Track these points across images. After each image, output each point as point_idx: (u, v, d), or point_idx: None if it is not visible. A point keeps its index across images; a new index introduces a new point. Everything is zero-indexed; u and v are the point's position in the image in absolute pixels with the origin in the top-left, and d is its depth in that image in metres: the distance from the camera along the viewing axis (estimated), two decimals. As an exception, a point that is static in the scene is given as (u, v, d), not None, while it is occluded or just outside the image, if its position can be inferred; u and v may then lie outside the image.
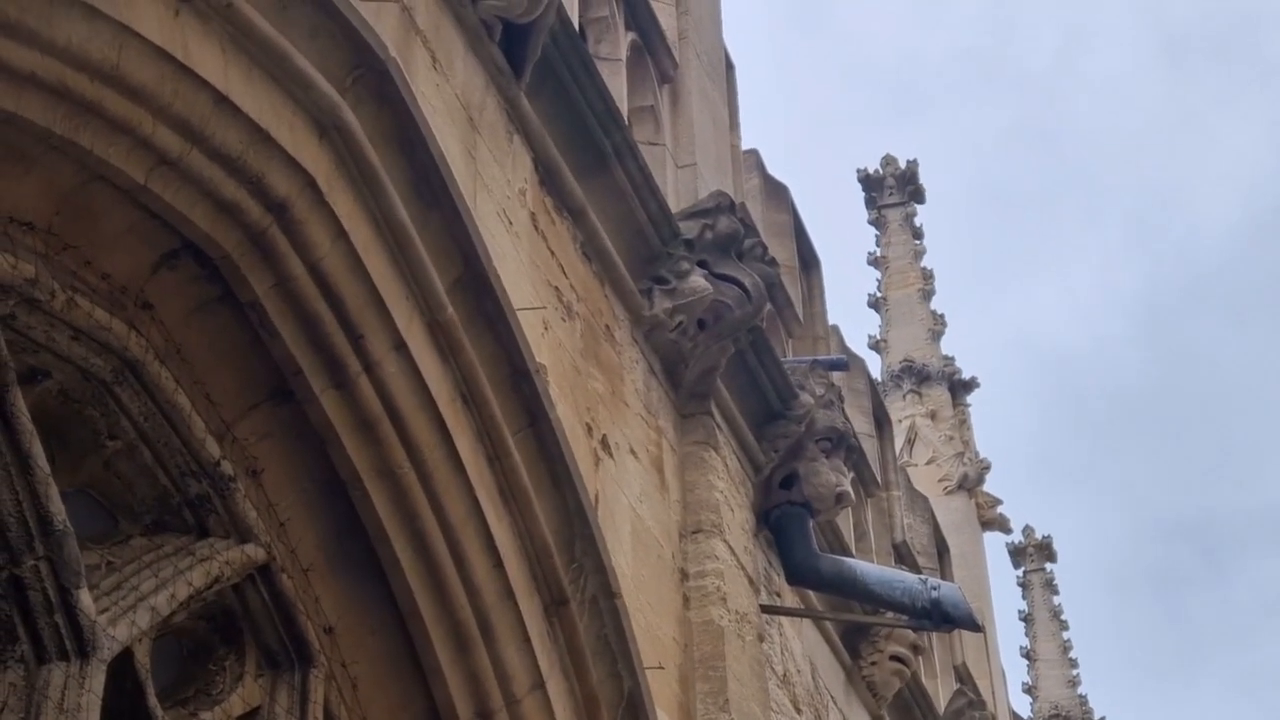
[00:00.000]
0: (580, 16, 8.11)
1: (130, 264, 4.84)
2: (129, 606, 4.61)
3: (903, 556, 12.21)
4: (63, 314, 4.60)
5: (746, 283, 7.97)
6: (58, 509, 4.35)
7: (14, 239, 4.43)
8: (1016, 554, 27.81)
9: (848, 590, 8.55)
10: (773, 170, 11.64)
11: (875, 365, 19.05)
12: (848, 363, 10.61)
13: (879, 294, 20.18)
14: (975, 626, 8.37)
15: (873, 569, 8.83)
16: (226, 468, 5.14)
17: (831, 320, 12.28)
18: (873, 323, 20.40)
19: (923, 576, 8.73)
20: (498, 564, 5.74)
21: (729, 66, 10.12)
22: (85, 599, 4.35)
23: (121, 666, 4.56)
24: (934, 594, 8.25)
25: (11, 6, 3.92)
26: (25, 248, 4.47)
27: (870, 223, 20.58)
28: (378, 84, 5.19)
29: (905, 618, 8.57)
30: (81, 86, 4.21)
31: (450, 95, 6.13)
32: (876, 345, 19.86)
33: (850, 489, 8.87)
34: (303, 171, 4.97)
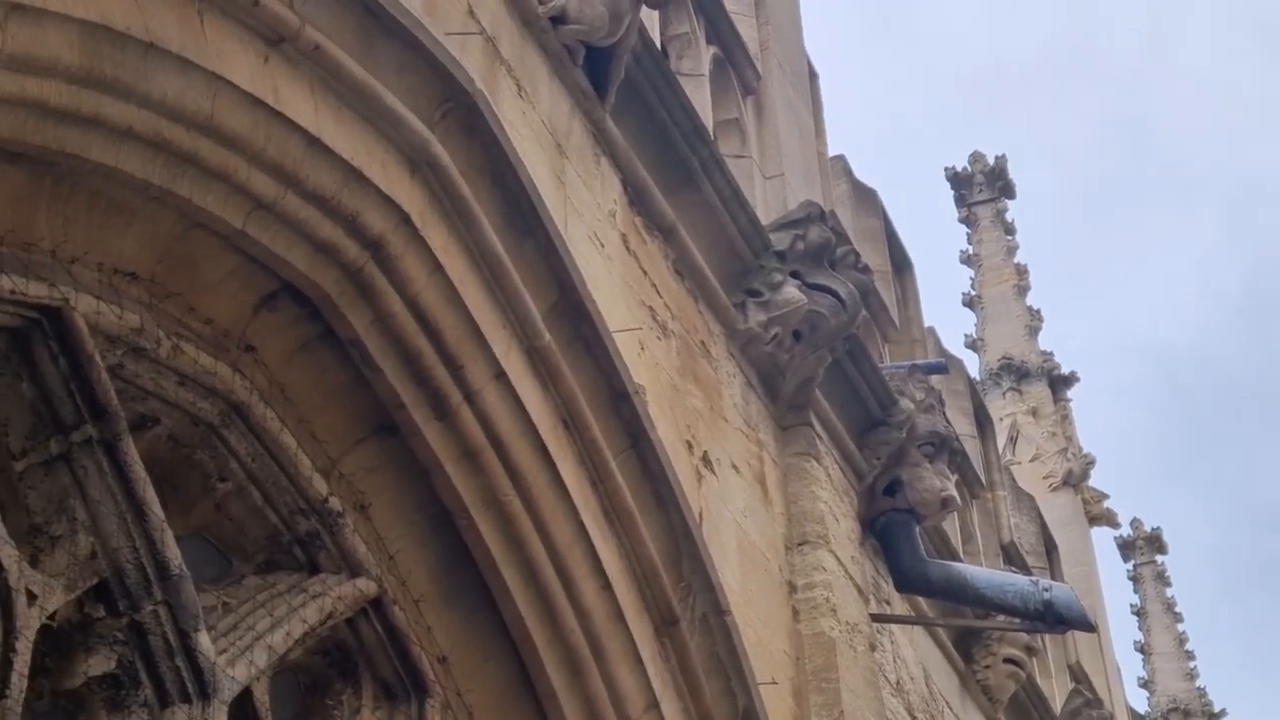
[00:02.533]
0: (661, 34, 8.12)
1: (232, 308, 4.91)
2: (246, 646, 4.67)
3: (1011, 557, 12.10)
4: (169, 361, 4.68)
5: (841, 291, 7.94)
6: (174, 554, 4.41)
7: (119, 290, 4.51)
8: (1126, 547, 27.46)
9: (958, 595, 8.48)
10: (860, 174, 11.60)
11: (973, 364, 18.91)
12: (946, 366, 10.54)
13: (973, 292, 20.03)
14: (1089, 627, 8.29)
15: (982, 573, 8.75)
16: (335, 504, 5.20)
17: (927, 321, 12.20)
18: (968, 321, 20.26)
19: (1034, 578, 8.65)
20: (606, 586, 5.76)
21: (812, 75, 10.08)
22: (204, 641, 4.41)
23: (242, 706, 4.62)
24: (1046, 595, 8.17)
25: (108, 64, 4.00)
26: (130, 298, 4.55)
27: (961, 221, 20.45)
28: (466, 117, 5.23)
29: (1018, 621, 8.49)
30: (178, 137, 4.28)
31: (537, 122, 6.17)
32: (973, 344, 19.69)
33: (955, 493, 8.80)
34: (396, 208, 5.03)
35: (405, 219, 5.08)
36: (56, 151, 4.09)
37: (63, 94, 3.94)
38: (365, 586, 5.22)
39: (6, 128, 3.93)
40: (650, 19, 7.49)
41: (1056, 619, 8.14)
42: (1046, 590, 8.22)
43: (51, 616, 4.17)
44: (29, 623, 4.02)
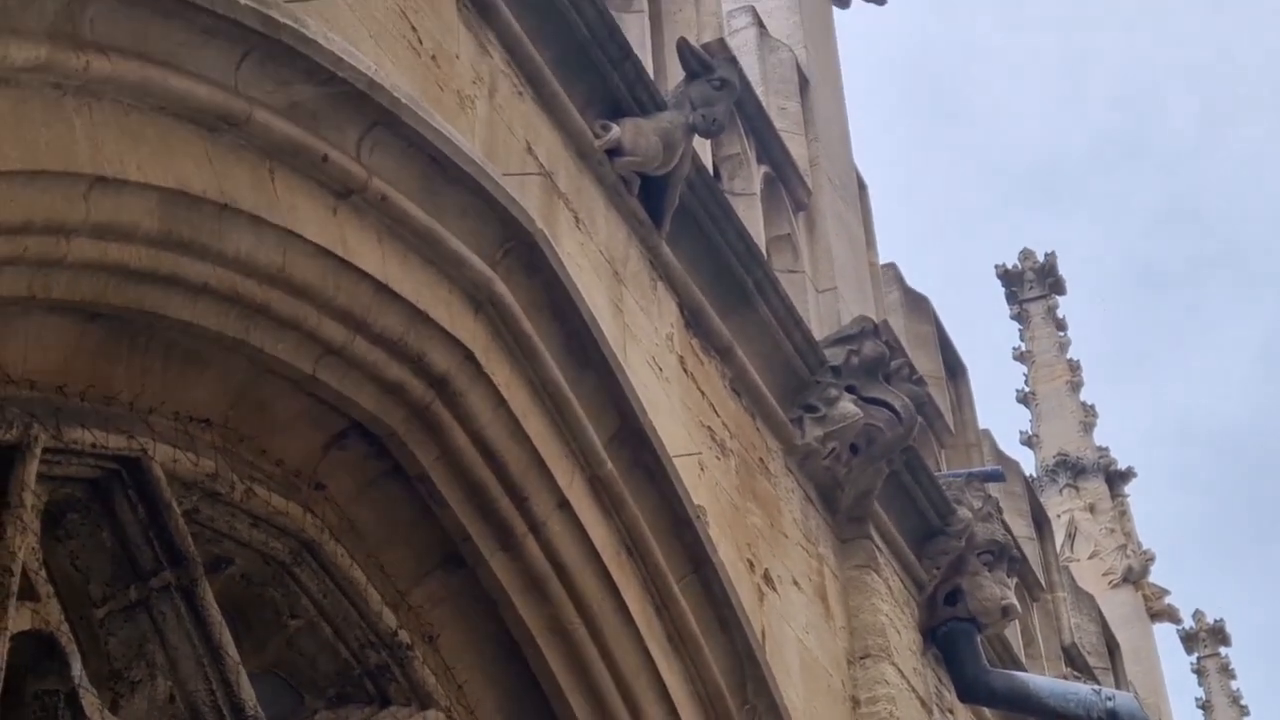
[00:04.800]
0: (713, 156, 8.26)
1: (302, 448, 5.03)
2: (321, 784, 4.75)
3: (1073, 659, 12.05)
4: (242, 503, 4.79)
5: (896, 404, 8.01)
6: (249, 695, 4.50)
7: (194, 437, 4.64)
8: (1188, 640, 27.20)
9: (1022, 705, 8.46)
10: (913, 270, 11.73)
11: (1028, 460, 18.88)
12: (1003, 473, 10.56)
13: (1027, 389, 20.04)
14: (1155, 736, 8.25)
15: (1045, 682, 8.74)
16: (404, 636, 5.28)
17: (982, 418, 12.24)
18: (1023, 417, 20.24)
19: (1097, 687, 8.64)
20: (672, 712, 5.81)
21: (861, 186, 10.21)
22: (280, 782, 4.49)
23: (318, 844, 4.69)
24: (1109, 704, 8.15)
25: (185, 227, 4.14)
26: (204, 444, 4.67)
27: (1013, 318, 20.50)
28: (527, 255, 5.36)
29: (1082, 731, 8.46)
30: (251, 291, 4.42)
31: (594, 252, 6.29)
32: (1029, 441, 19.68)
33: (1015, 601, 8.82)
34: (461, 346, 5.14)
35: (469, 356, 5.19)
36: (135, 310, 4.23)
37: (142, 257, 4.08)
38: (434, 718, 5.29)
39: (89, 290, 4.07)
40: (702, 142, 7.63)
41: (1121, 728, 8.12)
42: (1110, 699, 8.20)
43: (132, 761, 4.26)
44: (111, 769, 4.11)
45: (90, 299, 4.10)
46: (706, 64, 6.88)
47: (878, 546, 8.14)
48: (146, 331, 4.40)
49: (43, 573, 4.14)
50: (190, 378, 4.59)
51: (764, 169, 8.76)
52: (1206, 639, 27.38)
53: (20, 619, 4.03)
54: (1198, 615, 27.38)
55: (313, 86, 4.46)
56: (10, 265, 3.83)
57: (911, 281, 11.65)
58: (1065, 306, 20.71)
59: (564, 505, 5.56)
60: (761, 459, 7.42)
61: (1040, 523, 13.03)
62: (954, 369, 11.74)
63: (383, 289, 4.81)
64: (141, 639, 4.42)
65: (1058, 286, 20.44)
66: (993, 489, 9.61)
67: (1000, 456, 12.42)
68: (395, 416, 5.09)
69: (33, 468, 4.08)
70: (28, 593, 4.09)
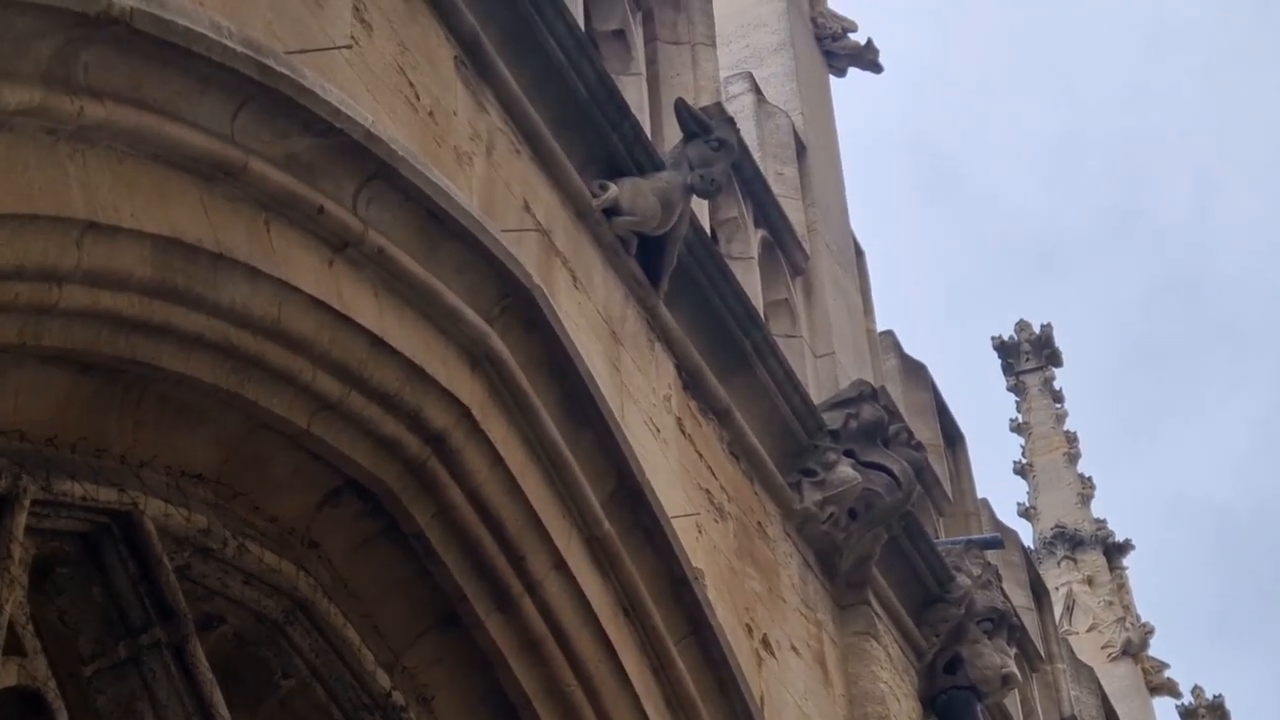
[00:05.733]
0: (711, 219, 8.25)
1: (296, 505, 4.96)
2: (313, 847, 4.66)
3: (1073, 731, 11.94)
4: (235, 560, 4.73)
5: (895, 469, 7.96)
6: (240, 756, 4.42)
7: (186, 492, 4.58)
8: (1188, 715, 27.02)
9: (1023, 775, 8.37)
10: (911, 341, 11.68)
11: (1026, 532, 18.81)
12: (1002, 541, 10.49)
13: (1024, 460, 20.00)
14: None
15: (1046, 751, 8.64)
16: (398, 698, 5.21)
17: (980, 490, 12.18)
18: (1021, 489, 20.20)
19: (1099, 757, 8.53)
20: (670, 776, 5.72)
21: (859, 253, 10.21)
22: (270, 845, 4.40)
23: None
24: (1112, 774, 8.05)
25: (180, 276, 4.10)
26: (198, 499, 4.61)
27: (1009, 389, 20.50)
28: (525, 311, 5.32)
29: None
30: (245, 343, 4.38)
31: (592, 311, 6.26)
32: (1027, 513, 19.63)
33: (1016, 670, 8.73)
34: (458, 403, 5.09)
35: (466, 413, 5.14)
36: (128, 360, 4.18)
37: (135, 305, 4.04)
38: (429, 781, 5.20)
39: (81, 339, 4.03)
40: (700, 206, 7.62)
41: (1124, 798, 8.01)
42: (1113, 769, 8.10)
43: (119, 821, 4.18)
44: (98, 829, 4.03)
45: (82, 348, 4.05)
46: (704, 124, 6.87)
47: (876, 613, 8.06)
48: (140, 384, 4.35)
49: (30, 627, 4.08)
50: (183, 432, 4.54)
51: (761, 233, 8.75)
52: (1206, 715, 27.17)
53: (7, 674, 3.96)
54: (1197, 691, 27.18)
55: (310, 137, 4.43)
56: (1, 312, 3.78)
57: (907, 351, 11.63)
58: (1061, 378, 20.75)
59: (561, 565, 5.49)
60: (760, 523, 7.36)
61: (1039, 593, 12.95)
62: (952, 437, 11.70)
63: (379, 343, 4.77)
64: (131, 697, 4.34)
65: (1054, 358, 20.47)
66: (991, 558, 9.54)
67: (999, 526, 12.36)
68: (390, 473, 5.03)
69: (21, 520, 4.02)
70: (15, 648, 4.03)
